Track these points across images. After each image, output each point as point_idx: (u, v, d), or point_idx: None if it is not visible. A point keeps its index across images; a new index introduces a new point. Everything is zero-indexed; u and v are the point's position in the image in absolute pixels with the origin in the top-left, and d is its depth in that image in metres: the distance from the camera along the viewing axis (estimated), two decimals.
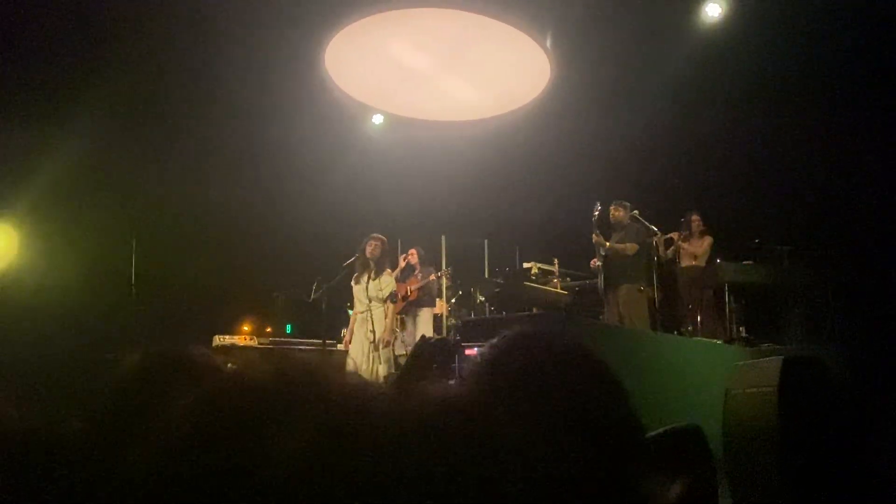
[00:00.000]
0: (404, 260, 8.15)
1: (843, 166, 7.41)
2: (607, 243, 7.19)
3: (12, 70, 7.10)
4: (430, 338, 7.06)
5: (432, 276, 8.07)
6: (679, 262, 7.77)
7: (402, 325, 7.96)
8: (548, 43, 7.35)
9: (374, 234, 7.02)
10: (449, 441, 0.56)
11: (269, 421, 0.64)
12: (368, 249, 6.93)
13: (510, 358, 1.01)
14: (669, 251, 7.73)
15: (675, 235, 7.77)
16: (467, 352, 4.65)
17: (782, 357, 3.10)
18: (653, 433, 1.35)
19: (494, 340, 1.12)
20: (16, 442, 1.30)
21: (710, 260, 7.60)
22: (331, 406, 0.66)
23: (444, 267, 8.65)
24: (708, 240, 7.68)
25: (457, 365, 3.40)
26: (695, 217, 7.75)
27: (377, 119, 9.51)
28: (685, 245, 7.72)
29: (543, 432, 0.64)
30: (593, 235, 7.24)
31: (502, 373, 0.98)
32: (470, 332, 5.75)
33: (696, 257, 7.64)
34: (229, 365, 1.56)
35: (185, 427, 0.71)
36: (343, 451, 0.56)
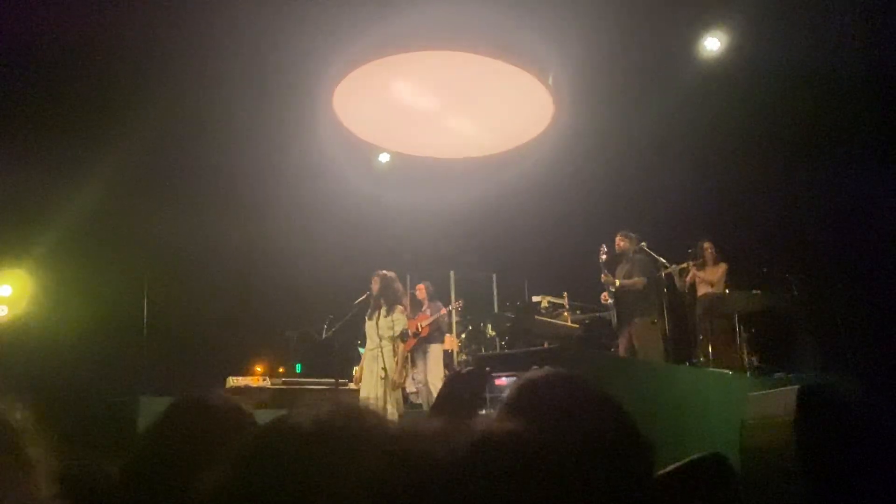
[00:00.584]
0: (414, 296, 8.17)
1: (850, 193, 7.46)
2: (617, 281, 7.21)
3: (27, 118, 7.25)
4: (461, 368, 7.07)
5: (443, 311, 8.08)
6: (696, 292, 7.76)
7: (413, 362, 7.95)
8: (550, 81, 7.48)
9: (378, 271, 7.05)
10: (498, 471, 0.60)
11: (329, 456, 0.69)
12: (372, 285, 6.97)
13: (544, 399, 1.06)
14: (687, 280, 7.71)
15: (689, 265, 7.76)
16: (497, 381, 4.76)
17: (797, 386, 3.11)
18: (676, 465, 1.38)
19: (523, 380, 1.17)
20: (62, 486, 1.34)
21: (727, 286, 7.58)
22: (390, 436, 0.71)
23: (452, 301, 8.68)
24: (723, 266, 7.67)
25: (488, 395, 3.44)
26: (707, 244, 7.75)
27: (384, 157, 9.64)
28: (701, 273, 7.72)
29: (574, 466, 0.68)
30: (602, 276, 7.27)
31: (536, 412, 1.03)
32: (484, 367, 5.76)
33: (712, 284, 7.62)
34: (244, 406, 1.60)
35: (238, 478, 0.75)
36: (407, 476, 0.60)
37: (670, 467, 1.34)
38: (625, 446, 1.09)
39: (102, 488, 1.41)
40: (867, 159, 7.25)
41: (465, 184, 9.28)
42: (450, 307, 8.42)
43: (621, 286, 7.18)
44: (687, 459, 1.42)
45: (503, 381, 4.78)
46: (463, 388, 1.70)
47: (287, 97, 7.56)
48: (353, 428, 0.74)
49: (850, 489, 2.77)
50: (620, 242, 7.47)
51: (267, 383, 7.56)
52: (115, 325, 8.10)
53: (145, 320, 7.97)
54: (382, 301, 6.87)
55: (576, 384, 1.15)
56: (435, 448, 0.63)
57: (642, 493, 1.07)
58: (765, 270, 7.55)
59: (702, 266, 7.78)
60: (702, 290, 7.68)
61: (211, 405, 1.49)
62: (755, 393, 3.69)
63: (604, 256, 7.32)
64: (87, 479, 1.43)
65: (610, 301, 7.36)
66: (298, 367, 10.95)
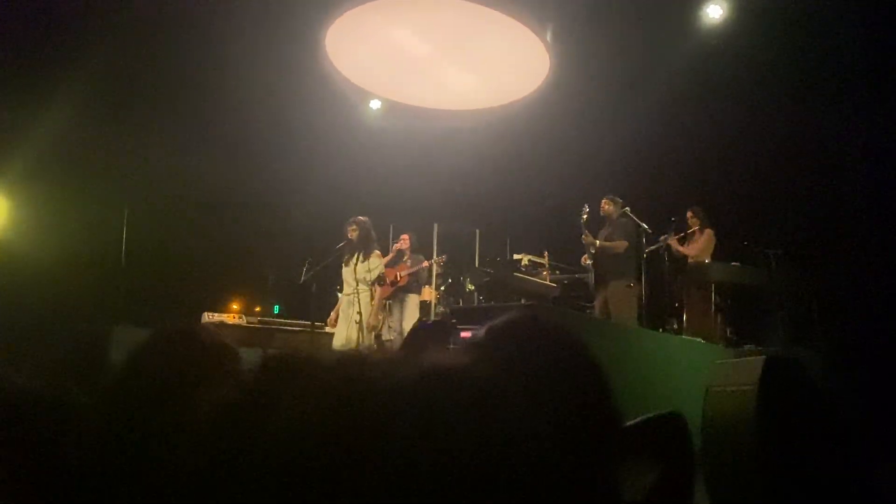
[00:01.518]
0: (397, 246, 8.16)
1: (838, 171, 7.49)
2: (597, 241, 7.23)
3: (6, 39, 7.06)
4: (427, 319, 7.13)
5: (425, 263, 8.10)
6: (676, 260, 7.82)
7: (389, 310, 7.99)
8: (548, 37, 7.38)
9: (354, 217, 7.04)
10: (443, 402, 0.59)
11: (269, 394, 0.68)
12: (349, 233, 6.97)
13: (506, 339, 1.05)
14: (683, 249, 7.74)
15: (671, 236, 7.78)
16: (463, 334, 4.70)
17: (764, 357, 3.14)
18: (634, 421, 1.39)
19: (491, 323, 1.16)
20: (24, 405, 1.32)
21: (714, 255, 7.61)
22: (328, 374, 0.70)
23: (435, 255, 8.68)
24: (708, 232, 7.70)
25: (452, 346, 3.43)
26: (689, 213, 7.77)
27: (375, 104, 9.52)
28: (682, 248, 7.77)
29: (530, 409, 0.67)
30: (583, 236, 7.28)
31: (497, 350, 1.03)
32: (459, 319, 5.79)
33: (695, 253, 7.67)
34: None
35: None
36: (341, 415, 0.60)
37: (627, 423, 1.35)
38: (587, 395, 1.08)
39: (72, 414, 1.39)
40: (858, 134, 7.26)
41: (455, 137, 9.22)
42: (432, 261, 8.43)
43: (601, 247, 7.20)
44: (644, 417, 1.43)
45: (468, 334, 4.77)
46: (427, 337, 1.70)
47: (278, 35, 7.41)
48: (294, 360, 0.73)
49: (803, 461, 2.83)
50: (605, 206, 7.48)
51: (242, 321, 7.57)
52: (93, 254, 8.04)
53: (123, 250, 7.91)
54: (359, 246, 6.90)
55: (544, 327, 1.14)
56: (378, 376, 0.62)
57: (596, 443, 1.07)
58: (745, 244, 7.59)
59: (684, 240, 7.81)
60: (690, 258, 7.73)
61: (197, 336, 1.46)
62: (721, 361, 3.74)
63: (585, 216, 7.32)
64: (56, 404, 1.41)
65: (589, 263, 7.39)
66: (276, 308, 10.97)
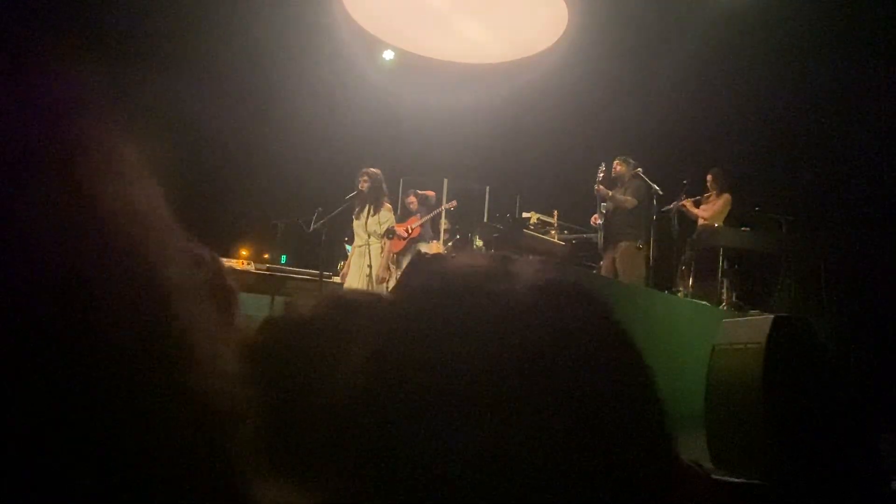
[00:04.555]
0: (415, 199, 8.16)
1: (855, 138, 7.40)
2: (609, 193, 7.21)
3: None
4: (426, 252, 7.14)
5: (443, 206, 8.11)
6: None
7: (399, 264, 8.00)
8: None
9: (365, 169, 6.97)
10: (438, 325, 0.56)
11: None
12: (360, 184, 6.91)
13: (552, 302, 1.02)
14: (697, 211, 7.69)
15: (683, 199, 7.72)
16: None
17: (772, 315, 3.13)
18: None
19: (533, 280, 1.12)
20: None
21: (726, 220, 7.55)
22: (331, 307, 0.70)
23: (444, 202, 8.69)
24: (725, 197, 7.63)
25: None
26: (709, 176, 7.69)
27: (388, 55, 9.40)
28: (695, 210, 7.72)
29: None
30: (596, 187, 7.24)
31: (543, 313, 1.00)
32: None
33: (711, 216, 7.62)
34: None
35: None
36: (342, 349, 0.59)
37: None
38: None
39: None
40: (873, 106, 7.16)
41: (469, 92, 9.12)
42: (443, 207, 8.44)
43: (613, 200, 7.18)
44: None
45: None
46: (426, 269, 1.67)
47: None
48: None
49: (808, 422, 2.83)
50: (618, 166, 7.44)
51: (251, 267, 7.58)
52: None
53: None
54: (370, 198, 6.86)
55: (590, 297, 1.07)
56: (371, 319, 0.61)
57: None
58: (756, 209, 7.54)
59: (699, 202, 7.75)
60: (702, 221, 7.68)
61: (195, 255, 1.44)
62: (729, 319, 3.73)
63: (602, 174, 7.28)
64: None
65: (599, 222, 7.37)
66: (283, 259, 10.99)
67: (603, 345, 0.62)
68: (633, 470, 0.54)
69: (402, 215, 8.07)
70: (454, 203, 8.64)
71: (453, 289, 0.59)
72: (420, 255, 5.59)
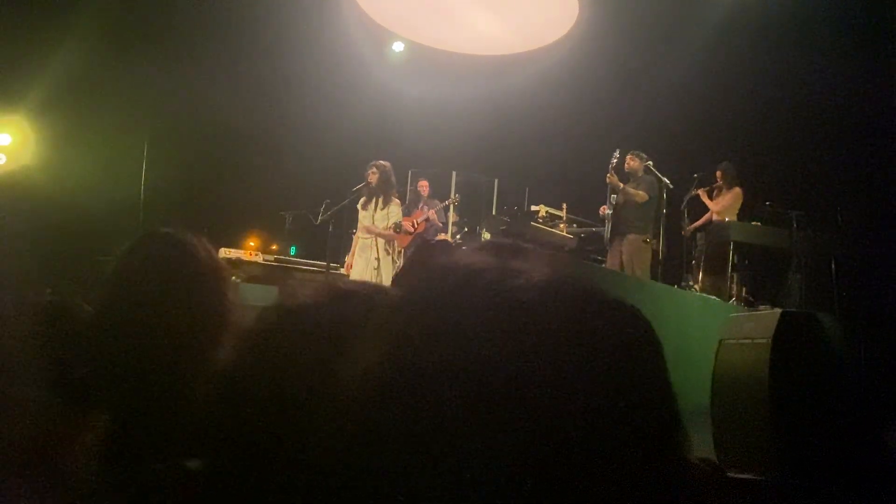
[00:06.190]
0: (426, 183, 8.17)
1: (867, 134, 7.33)
2: (621, 185, 7.16)
3: None
4: (431, 239, 7.12)
5: (445, 202, 8.11)
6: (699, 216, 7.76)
7: (404, 258, 8.00)
8: None
9: (375, 161, 6.91)
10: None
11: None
12: (369, 176, 6.87)
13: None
14: (710, 203, 7.67)
15: (695, 190, 7.70)
16: None
17: (780, 310, 3.10)
18: None
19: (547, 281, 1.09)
20: (45, 311, 1.33)
21: (739, 214, 7.53)
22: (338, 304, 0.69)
23: (452, 194, 8.68)
24: (735, 191, 7.60)
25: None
26: (719, 171, 7.67)
27: (398, 46, 9.38)
28: (709, 202, 7.70)
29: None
30: (608, 175, 7.18)
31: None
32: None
33: (722, 209, 7.60)
34: (234, 278, 1.55)
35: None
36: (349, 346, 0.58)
37: None
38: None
39: (79, 323, 1.39)
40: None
41: (478, 83, 9.08)
42: (447, 202, 8.42)
43: (624, 191, 7.13)
44: None
45: None
46: (429, 257, 1.67)
47: None
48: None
49: (815, 418, 2.81)
50: (630, 162, 7.41)
51: (259, 258, 7.59)
52: (113, 184, 8.06)
53: (143, 181, 7.93)
54: (378, 191, 6.82)
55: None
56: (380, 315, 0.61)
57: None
58: (768, 204, 7.48)
59: (711, 194, 7.72)
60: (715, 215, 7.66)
61: (181, 240, 1.44)
62: (736, 314, 3.71)
63: (615, 161, 7.22)
64: (66, 311, 1.41)
65: (608, 212, 7.32)
66: (293, 250, 11.00)
67: (627, 347, 0.63)
68: (649, 469, 0.55)
69: (412, 201, 8.06)
70: (457, 197, 8.62)
71: (460, 291, 0.58)
72: (424, 244, 5.56)
